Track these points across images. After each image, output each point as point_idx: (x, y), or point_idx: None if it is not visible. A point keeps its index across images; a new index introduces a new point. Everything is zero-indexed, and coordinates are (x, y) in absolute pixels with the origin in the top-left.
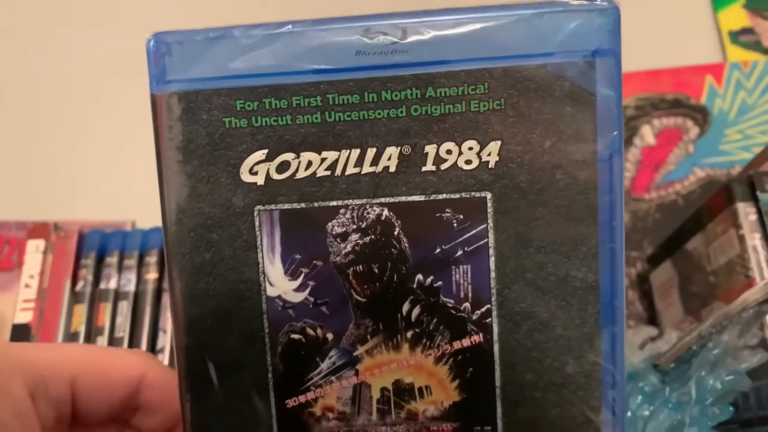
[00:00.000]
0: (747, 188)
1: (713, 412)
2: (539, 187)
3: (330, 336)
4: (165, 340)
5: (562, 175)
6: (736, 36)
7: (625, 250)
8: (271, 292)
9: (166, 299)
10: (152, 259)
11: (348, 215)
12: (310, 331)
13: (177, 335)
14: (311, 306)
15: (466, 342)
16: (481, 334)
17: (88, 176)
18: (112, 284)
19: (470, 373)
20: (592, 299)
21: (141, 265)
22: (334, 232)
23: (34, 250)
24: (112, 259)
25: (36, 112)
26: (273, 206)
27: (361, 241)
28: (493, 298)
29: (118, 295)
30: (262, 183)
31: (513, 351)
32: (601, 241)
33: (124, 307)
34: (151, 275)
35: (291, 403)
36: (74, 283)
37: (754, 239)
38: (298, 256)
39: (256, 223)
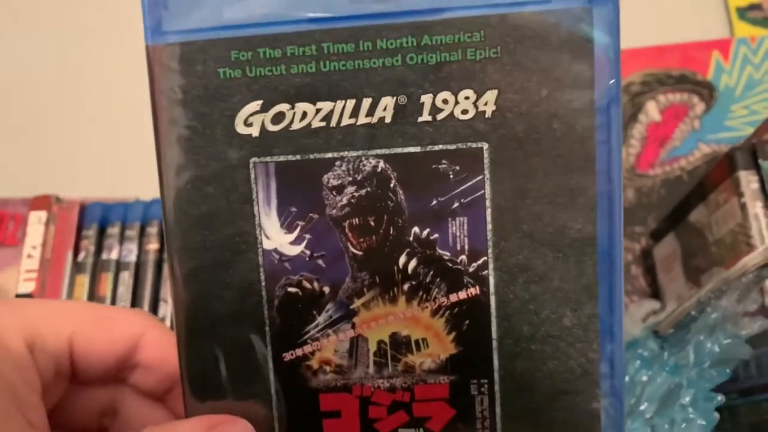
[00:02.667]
0: (749, 156)
1: (711, 375)
2: (536, 136)
3: (326, 289)
4: (166, 310)
5: (559, 125)
6: (743, 12)
7: (629, 225)
8: (267, 245)
9: (167, 269)
10: (153, 230)
11: (344, 167)
12: (307, 285)
13: (174, 289)
14: (307, 259)
15: (462, 294)
16: (477, 287)
17: (91, 153)
18: (114, 255)
19: (466, 325)
20: (589, 250)
21: (142, 235)
22: (329, 185)
23: (36, 221)
24: (114, 230)
25: (40, 92)
26: (268, 158)
27: (356, 194)
28: (490, 251)
29: (120, 266)
30: (257, 135)
31: (509, 303)
32: (599, 191)
33: (126, 278)
34: (153, 246)
35: (288, 356)
36: (76, 253)
37: (756, 207)
38: (294, 209)
39: (252, 176)
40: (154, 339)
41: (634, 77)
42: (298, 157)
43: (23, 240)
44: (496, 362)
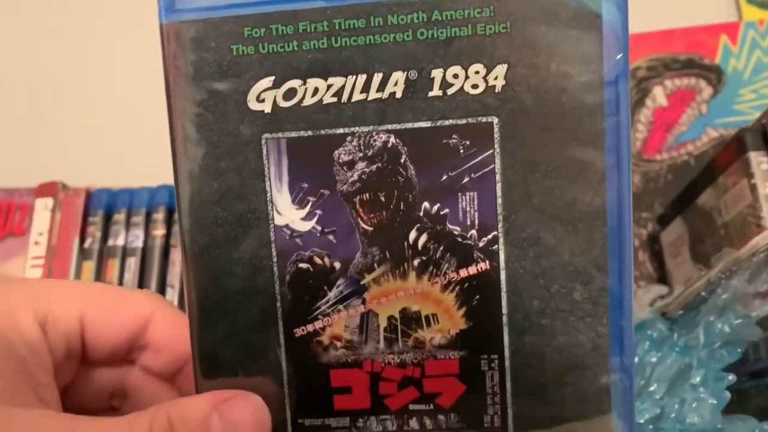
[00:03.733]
0: (759, 137)
1: (721, 355)
2: (545, 111)
3: (337, 265)
4: (173, 295)
5: (568, 99)
6: None
7: (636, 211)
8: (278, 221)
9: (173, 255)
10: (159, 216)
11: (354, 143)
12: (318, 260)
13: (185, 265)
14: (318, 235)
15: (472, 269)
16: (487, 262)
17: (97, 143)
18: (120, 241)
19: (477, 300)
20: (599, 224)
21: (148, 221)
22: (340, 160)
23: (43, 208)
24: (120, 217)
25: (45, 82)
26: (280, 134)
27: (367, 169)
28: (500, 225)
29: (126, 252)
30: (269, 111)
31: (520, 278)
32: (608, 164)
33: (132, 264)
34: (159, 231)
35: (299, 332)
36: (82, 240)
37: (767, 188)
38: (305, 185)
39: (264, 152)
40: (163, 320)
41: (640, 62)
42: (309, 132)
43: (30, 229)
44: (506, 337)
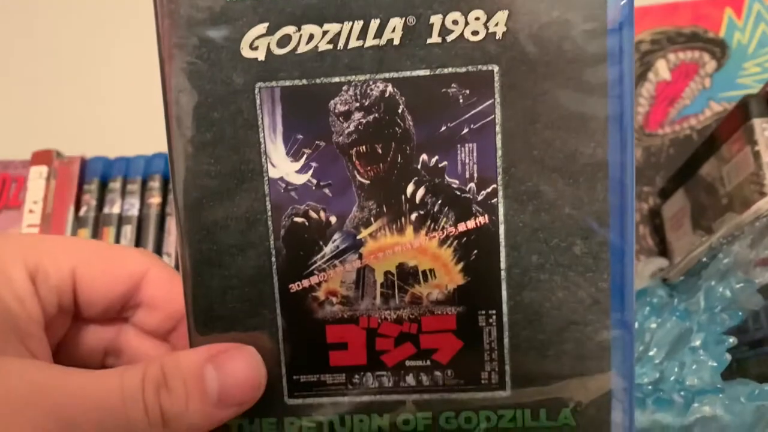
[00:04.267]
0: (764, 104)
1: (722, 318)
2: (547, 59)
3: (333, 219)
4: (170, 264)
5: (570, 46)
6: None
7: (638, 185)
8: (273, 173)
9: (169, 223)
10: (155, 184)
11: (351, 92)
12: (314, 214)
13: (178, 219)
14: (314, 188)
15: (471, 224)
16: (486, 216)
17: (92, 114)
18: (116, 209)
19: (475, 255)
20: (600, 176)
21: (144, 189)
22: (336, 111)
23: (37, 176)
24: (116, 185)
25: (42, 50)
26: (274, 83)
27: (364, 120)
28: (499, 178)
29: (122, 220)
30: (263, 58)
31: (519, 232)
32: (611, 115)
33: (128, 232)
34: (155, 200)
35: (294, 287)
36: (78, 208)
37: None
38: (300, 136)
39: (257, 101)
40: (158, 277)
41: (643, 35)
42: (304, 81)
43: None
44: (504, 293)
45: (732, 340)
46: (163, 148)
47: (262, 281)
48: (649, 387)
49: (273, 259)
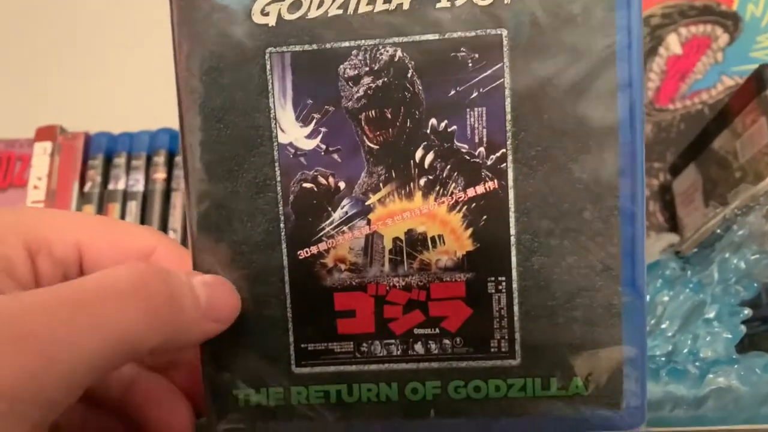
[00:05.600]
0: None
1: (736, 290)
2: (555, 23)
3: (342, 185)
4: (176, 239)
5: (579, 9)
6: None
7: (647, 161)
8: (282, 138)
9: (174, 199)
10: (160, 160)
11: (360, 57)
12: (322, 180)
13: (187, 186)
14: (323, 153)
15: (480, 189)
16: (495, 180)
17: (96, 90)
18: (121, 185)
19: (484, 221)
20: (610, 140)
21: (149, 165)
22: (345, 75)
23: (42, 152)
24: (120, 160)
25: (47, 28)
26: (284, 48)
27: (373, 85)
28: (509, 142)
29: (127, 196)
30: (274, 24)
31: (528, 197)
32: (620, 78)
33: (133, 207)
34: (160, 175)
35: (303, 254)
36: (82, 184)
37: None
38: (309, 102)
39: (268, 67)
40: (166, 254)
41: (654, 9)
42: (314, 46)
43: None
44: (513, 259)
45: (747, 311)
46: (168, 123)
47: (271, 248)
48: (662, 359)
49: (282, 225)
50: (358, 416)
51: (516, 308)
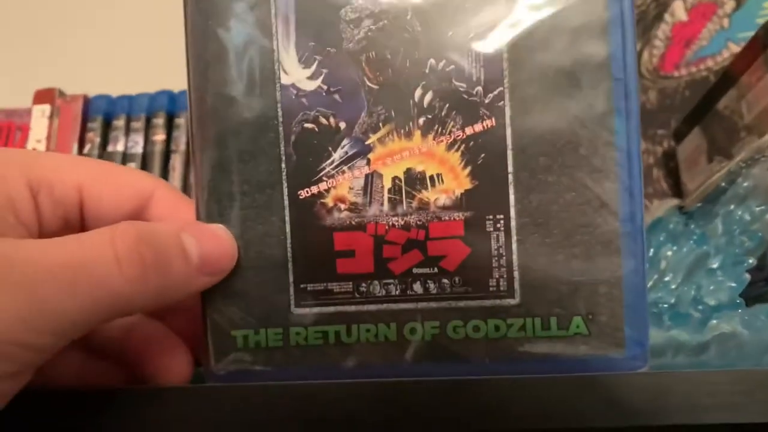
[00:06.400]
0: None
1: (741, 240)
2: None
3: (342, 125)
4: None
5: None
6: None
7: (651, 128)
8: (285, 80)
9: (173, 160)
10: (159, 122)
11: (361, 0)
12: (323, 120)
13: (190, 129)
14: (324, 94)
15: (478, 127)
16: (493, 118)
17: (94, 52)
18: (120, 147)
19: (482, 159)
20: (603, 76)
21: (148, 127)
22: (347, 18)
23: (40, 115)
24: (119, 122)
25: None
26: None
27: (374, 27)
28: (506, 80)
29: (126, 157)
30: None
31: (525, 134)
32: (612, 14)
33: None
34: (159, 137)
35: (303, 194)
36: (81, 146)
37: None
38: (312, 44)
39: (272, 10)
40: (165, 198)
41: None
42: None
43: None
44: (511, 196)
45: (751, 260)
46: (167, 85)
47: (272, 187)
48: (665, 305)
49: (283, 165)
50: (356, 357)
51: (514, 246)
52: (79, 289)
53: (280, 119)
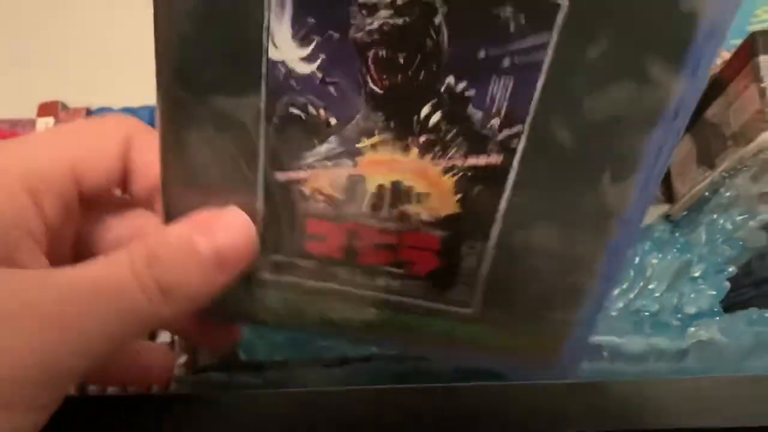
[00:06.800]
0: None
1: (723, 249)
2: (627, 3)
3: (333, 121)
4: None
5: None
6: None
7: None
8: (274, 54)
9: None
10: None
11: None
12: (312, 110)
13: (162, 91)
14: (318, 82)
15: (482, 160)
16: (501, 155)
17: (97, 65)
18: None
19: (477, 191)
20: (630, 167)
21: None
22: (361, 0)
23: (44, 127)
24: None
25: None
26: None
27: (391, 21)
28: (528, 121)
29: None
30: None
31: (530, 180)
32: (663, 113)
33: None
34: None
35: (281, 176)
36: None
37: None
38: (311, 20)
39: None
40: (142, 141)
41: None
42: None
43: None
44: (496, 231)
45: (732, 269)
46: None
47: (246, 160)
48: (647, 313)
49: (262, 141)
50: (311, 329)
51: (484, 271)
52: (109, 317)
53: (263, 95)
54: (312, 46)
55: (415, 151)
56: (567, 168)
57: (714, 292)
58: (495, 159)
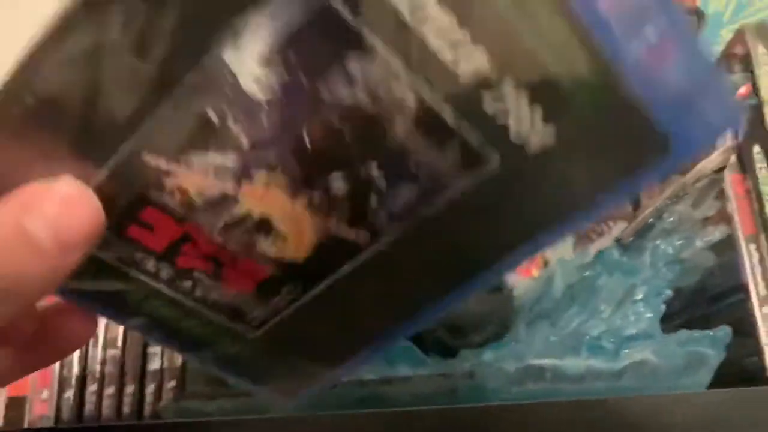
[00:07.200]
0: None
1: (663, 273)
2: None
3: (245, 143)
4: None
5: None
6: None
7: None
8: (228, 56)
9: None
10: None
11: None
12: (230, 124)
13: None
14: (254, 105)
15: (352, 234)
16: (370, 237)
17: None
18: None
19: (328, 255)
20: None
21: None
22: (349, 69)
23: None
24: None
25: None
26: None
27: (362, 105)
28: (406, 227)
29: None
30: None
31: (372, 269)
32: None
33: None
34: None
35: (149, 158)
36: None
37: None
38: (291, 53)
39: None
40: None
41: None
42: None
43: None
44: (321, 287)
45: (669, 292)
46: None
47: (123, 134)
48: (586, 337)
49: (148, 120)
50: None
51: (290, 311)
52: None
53: (185, 80)
54: (272, 74)
55: (303, 202)
56: (423, 263)
57: (651, 315)
58: (364, 237)
